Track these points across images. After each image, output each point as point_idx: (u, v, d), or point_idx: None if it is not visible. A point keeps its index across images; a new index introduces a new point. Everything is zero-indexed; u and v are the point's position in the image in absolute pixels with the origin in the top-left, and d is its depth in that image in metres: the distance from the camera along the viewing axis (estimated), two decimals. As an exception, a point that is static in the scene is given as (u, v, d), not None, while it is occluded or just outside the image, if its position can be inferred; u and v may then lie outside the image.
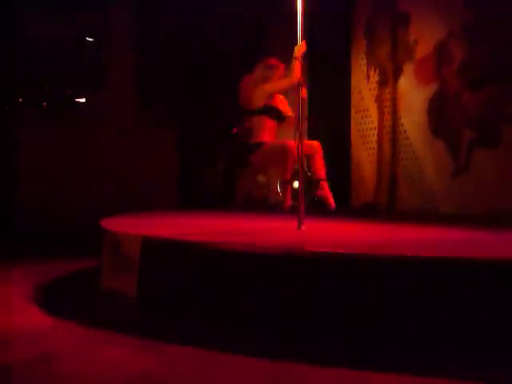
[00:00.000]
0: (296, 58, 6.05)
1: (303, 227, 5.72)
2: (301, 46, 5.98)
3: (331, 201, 6.19)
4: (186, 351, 3.93)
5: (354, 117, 10.97)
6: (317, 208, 6.39)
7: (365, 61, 10.79)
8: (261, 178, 12.34)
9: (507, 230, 6.12)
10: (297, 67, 6.08)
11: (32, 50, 12.09)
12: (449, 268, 3.74)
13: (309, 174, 6.33)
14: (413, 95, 9.84)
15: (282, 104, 6.61)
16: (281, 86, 6.39)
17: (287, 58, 6.21)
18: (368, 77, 10.71)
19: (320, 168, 6.32)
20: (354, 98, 10.96)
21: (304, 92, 6.03)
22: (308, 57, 6.04)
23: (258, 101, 6.43)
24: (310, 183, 6.26)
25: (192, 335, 4.19)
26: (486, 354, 3.58)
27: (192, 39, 12.65)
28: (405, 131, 9.97)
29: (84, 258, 7.01)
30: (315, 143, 6.45)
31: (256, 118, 6.41)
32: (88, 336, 4.32)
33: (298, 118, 5.88)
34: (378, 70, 10.50)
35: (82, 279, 6.47)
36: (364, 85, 10.79)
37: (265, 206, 11.70)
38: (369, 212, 10.01)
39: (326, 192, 6.22)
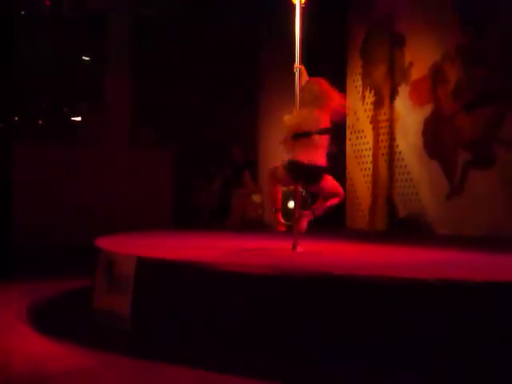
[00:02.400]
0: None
1: (298, 248, 5.70)
2: (303, 72, 5.91)
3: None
4: (183, 373, 3.91)
5: (350, 137, 11.00)
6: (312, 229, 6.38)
7: (360, 82, 10.84)
8: (255, 198, 12.34)
9: (501, 253, 6.11)
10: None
11: (29, 67, 12.12)
12: (445, 289, 3.74)
13: (303, 193, 6.29)
14: (408, 116, 9.88)
15: None
16: None
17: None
18: (363, 98, 10.75)
19: (322, 210, 5.92)
20: (350, 119, 10.99)
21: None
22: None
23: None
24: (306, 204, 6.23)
25: (188, 356, 4.17)
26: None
27: (189, 60, 12.72)
28: (400, 152, 9.99)
29: (78, 277, 6.98)
30: (340, 192, 6.09)
31: None
32: (82, 358, 4.30)
33: None
34: (373, 91, 10.54)
35: (76, 299, 6.44)
36: (359, 106, 10.82)
37: (260, 225, 11.68)
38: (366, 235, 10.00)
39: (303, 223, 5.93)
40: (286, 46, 6.34)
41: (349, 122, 11.00)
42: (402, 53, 10.00)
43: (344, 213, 10.93)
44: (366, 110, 10.69)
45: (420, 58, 9.70)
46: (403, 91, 9.97)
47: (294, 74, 5.92)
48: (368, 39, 10.69)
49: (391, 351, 3.78)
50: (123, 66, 12.23)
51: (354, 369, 3.81)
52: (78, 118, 13.25)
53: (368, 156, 10.57)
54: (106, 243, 5.94)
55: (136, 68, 12.37)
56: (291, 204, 6.10)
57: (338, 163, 10.92)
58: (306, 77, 5.96)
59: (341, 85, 11.03)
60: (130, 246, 5.97)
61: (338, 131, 10.56)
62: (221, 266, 4.54)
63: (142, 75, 12.48)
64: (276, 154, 11.76)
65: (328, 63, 10.79)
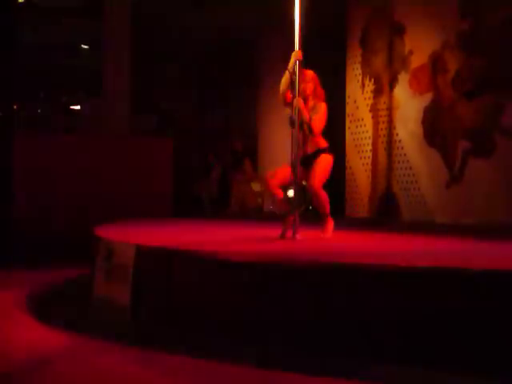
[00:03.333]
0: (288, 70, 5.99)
1: (298, 236, 5.73)
2: (297, 53, 5.91)
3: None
4: (182, 361, 3.91)
5: (349, 126, 10.99)
6: (312, 217, 6.39)
7: (360, 70, 10.82)
8: (255, 186, 12.35)
9: (499, 241, 6.12)
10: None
11: (28, 56, 12.11)
12: (442, 278, 3.75)
13: (303, 182, 6.30)
14: (408, 105, 9.87)
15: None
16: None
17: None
18: (363, 86, 10.73)
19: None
20: (349, 107, 10.99)
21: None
22: (303, 66, 5.98)
23: None
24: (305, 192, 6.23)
25: (187, 344, 4.18)
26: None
27: (188, 47, 12.71)
28: (400, 141, 9.99)
29: (78, 265, 6.99)
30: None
31: None
32: (81, 345, 4.31)
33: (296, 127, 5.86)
34: (373, 80, 10.53)
35: (76, 287, 6.45)
36: (359, 94, 10.81)
37: (259, 214, 11.70)
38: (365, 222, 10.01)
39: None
40: (284, 34, 6.32)
41: (348, 110, 11.00)
42: (401, 41, 9.98)
43: (343, 201, 10.94)
44: (365, 99, 10.67)
45: (420, 46, 9.68)
46: (403, 79, 9.96)
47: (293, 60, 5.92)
48: (367, 27, 10.66)
49: (392, 341, 3.79)
50: (122, 53, 12.20)
51: (356, 360, 3.83)
52: (77, 107, 13.26)
53: (368, 144, 10.56)
54: (105, 232, 5.95)
55: (135, 55, 12.35)
56: (290, 193, 6.09)
57: (337, 152, 10.96)
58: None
59: (341, 73, 11.07)
60: (129, 235, 5.98)
61: (337, 120, 10.63)
62: (220, 255, 4.55)
63: (141, 63, 12.47)
64: (275, 142, 11.77)
65: (328, 51, 10.78)
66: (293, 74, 5.94)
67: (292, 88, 5.95)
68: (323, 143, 6.18)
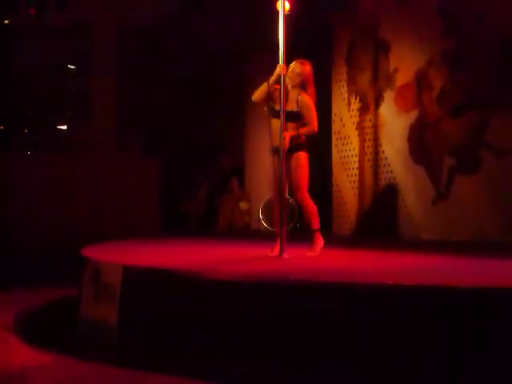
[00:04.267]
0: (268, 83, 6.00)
1: (285, 254, 5.72)
2: (281, 67, 5.92)
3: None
4: (171, 382, 3.90)
5: (336, 143, 11.02)
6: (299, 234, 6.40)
7: (346, 88, 10.87)
8: (242, 205, 12.36)
9: (487, 258, 6.15)
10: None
11: (15, 76, 12.11)
12: (427, 296, 3.76)
13: (290, 201, 6.32)
14: (393, 122, 9.91)
15: None
16: None
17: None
18: (349, 104, 10.78)
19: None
20: (336, 125, 11.02)
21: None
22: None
23: None
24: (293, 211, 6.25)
25: (175, 366, 4.17)
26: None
27: (176, 70, 12.74)
28: (386, 158, 10.02)
29: (65, 287, 6.96)
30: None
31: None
32: (68, 367, 4.28)
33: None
34: (358, 97, 10.57)
35: (63, 308, 6.42)
36: (345, 112, 10.85)
37: (247, 232, 11.70)
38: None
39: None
40: (270, 56, 6.34)
41: (335, 128, 11.03)
42: (386, 59, 10.03)
43: (331, 218, 10.95)
44: (351, 116, 10.71)
45: (405, 63, 9.74)
46: (388, 97, 10.00)
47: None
48: (353, 45, 10.72)
49: (383, 359, 3.80)
50: (110, 72, 12.22)
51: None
52: (64, 127, 13.24)
53: (354, 162, 10.59)
54: (92, 252, 5.94)
55: (123, 76, 12.36)
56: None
57: (324, 169, 10.98)
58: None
59: (326, 91, 11.11)
60: (116, 255, 5.97)
61: (324, 138, 10.66)
62: (208, 274, 4.55)
63: (128, 83, 12.48)
64: (263, 162, 11.79)
65: (313, 70, 10.82)
66: (272, 86, 5.97)
67: (268, 99, 5.99)
68: (303, 137, 6.14)
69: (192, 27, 12.25)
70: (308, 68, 6.16)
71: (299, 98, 6.06)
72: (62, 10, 12.09)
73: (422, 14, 9.44)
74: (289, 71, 6.03)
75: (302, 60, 6.16)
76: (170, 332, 4.60)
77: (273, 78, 5.98)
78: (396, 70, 9.87)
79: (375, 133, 10.19)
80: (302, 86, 6.13)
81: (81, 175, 10.43)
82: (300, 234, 6.41)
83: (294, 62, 6.12)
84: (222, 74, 12.69)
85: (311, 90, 6.17)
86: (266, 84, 6.03)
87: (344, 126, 10.88)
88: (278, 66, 5.92)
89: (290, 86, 6.07)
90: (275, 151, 6.00)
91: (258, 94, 6.11)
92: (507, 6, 8.48)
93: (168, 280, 4.71)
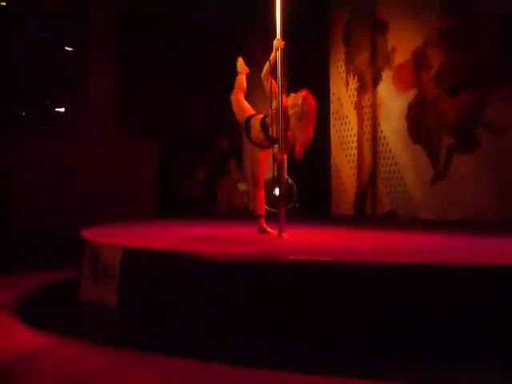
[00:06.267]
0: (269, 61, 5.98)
1: (284, 234, 5.73)
2: (279, 41, 5.87)
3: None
4: (170, 362, 3.91)
5: (334, 123, 11.01)
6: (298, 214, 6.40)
7: (344, 68, 10.85)
8: (241, 186, 12.36)
9: (485, 236, 6.16)
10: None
11: (12, 59, 12.07)
12: (428, 274, 3.77)
13: (289, 181, 6.32)
14: (392, 101, 9.90)
15: None
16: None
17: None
18: (347, 84, 10.76)
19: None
20: (334, 105, 11.01)
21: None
22: (287, 62, 5.96)
23: None
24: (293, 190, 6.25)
25: (175, 345, 4.18)
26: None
27: (174, 48, 12.70)
28: (384, 137, 10.02)
29: (65, 269, 6.97)
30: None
31: None
32: (68, 348, 4.30)
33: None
34: (356, 77, 10.55)
35: (63, 290, 6.43)
36: (343, 92, 10.83)
37: (246, 213, 11.70)
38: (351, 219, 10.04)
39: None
40: (268, 38, 6.30)
41: (333, 108, 11.02)
42: (384, 38, 10.00)
43: (329, 198, 10.96)
44: (349, 96, 10.70)
45: (403, 42, 9.72)
46: (386, 76, 9.99)
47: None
48: (350, 25, 10.69)
49: (383, 339, 3.81)
50: (108, 54, 12.19)
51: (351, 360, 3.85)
52: (62, 109, 13.20)
53: (353, 142, 10.59)
54: (91, 234, 5.94)
55: (121, 57, 12.32)
56: (277, 191, 6.10)
57: (323, 149, 10.97)
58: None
59: (325, 71, 11.09)
60: (116, 237, 5.97)
61: (322, 118, 10.63)
62: (207, 255, 4.55)
63: (127, 64, 12.44)
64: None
65: (311, 50, 10.80)
66: (274, 64, 5.94)
67: (272, 76, 5.95)
68: None
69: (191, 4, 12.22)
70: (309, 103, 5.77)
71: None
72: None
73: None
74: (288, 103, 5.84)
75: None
76: (169, 313, 4.61)
77: (273, 54, 5.97)
78: (394, 49, 9.85)
79: (373, 112, 10.18)
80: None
81: (79, 160, 10.42)
82: (299, 214, 6.41)
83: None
84: (222, 55, 12.66)
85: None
86: (267, 62, 6.03)
87: (342, 105, 10.87)
88: (276, 40, 5.90)
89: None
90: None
91: (263, 72, 6.09)
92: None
93: (168, 261, 4.71)
